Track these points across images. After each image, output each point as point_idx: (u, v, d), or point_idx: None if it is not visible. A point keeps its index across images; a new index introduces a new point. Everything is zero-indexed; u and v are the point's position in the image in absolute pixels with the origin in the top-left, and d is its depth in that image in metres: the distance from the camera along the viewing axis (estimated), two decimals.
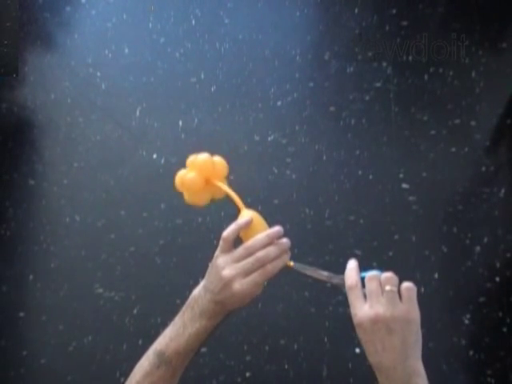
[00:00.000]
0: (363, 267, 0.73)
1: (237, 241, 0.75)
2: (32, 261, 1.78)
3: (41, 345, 1.69)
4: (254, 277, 0.70)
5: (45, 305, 1.72)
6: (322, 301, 1.68)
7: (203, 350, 1.64)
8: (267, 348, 1.65)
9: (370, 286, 0.69)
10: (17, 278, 1.76)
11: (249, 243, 0.73)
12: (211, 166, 0.82)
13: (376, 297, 0.68)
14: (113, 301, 1.72)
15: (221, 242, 0.74)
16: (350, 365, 1.61)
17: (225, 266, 0.72)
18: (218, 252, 0.75)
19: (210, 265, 0.75)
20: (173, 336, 0.75)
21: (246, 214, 0.76)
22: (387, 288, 0.68)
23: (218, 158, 0.83)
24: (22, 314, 1.72)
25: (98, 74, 1.97)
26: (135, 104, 1.92)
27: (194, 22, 2.02)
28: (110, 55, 1.99)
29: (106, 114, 1.92)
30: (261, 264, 0.71)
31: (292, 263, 0.74)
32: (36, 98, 1.95)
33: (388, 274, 0.70)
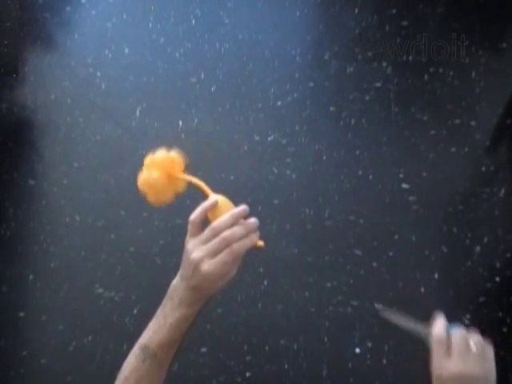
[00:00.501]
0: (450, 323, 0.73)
1: (207, 225, 0.75)
2: (32, 261, 1.78)
3: (41, 345, 1.69)
4: (222, 257, 0.70)
5: (45, 305, 1.72)
6: (322, 301, 1.68)
7: (203, 349, 1.64)
8: (267, 348, 1.65)
9: (459, 342, 0.72)
10: (17, 278, 1.76)
11: (214, 224, 0.73)
12: (171, 162, 0.83)
13: (463, 354, 0.72)
14: (113, 301, 1.72)
15: (189, 226, 0.77)
16: (349, 365, 1.61)
17: (193, 249, 0.73)
18: (187, 237, 0.77)
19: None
20: (155, 328, 0.76)
21: (213, 198, 0.78)
22: (474, 349, 0.73)
23: (173, 152, 0.85)
24: (21, 314, 1.72)
25: (98, 74, 1.97)
26: (135, 104, 1.92)
27: (193, 21, 2.02)
28: (110, 55, 1.99)
29: (106, 114, 1.92)
30: (227, 243, 0.71)
31: (262, 243, 0.74)
32: (36, 98, 1.95)
33: (476, 335, 0.74)
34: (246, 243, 0.72)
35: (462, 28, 1.94)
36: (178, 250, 2.00)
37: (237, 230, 0.72)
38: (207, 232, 0.73)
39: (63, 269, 1.76)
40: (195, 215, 0.77)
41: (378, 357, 1.65)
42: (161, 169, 0.82)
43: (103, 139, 1.90)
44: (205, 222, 0.76)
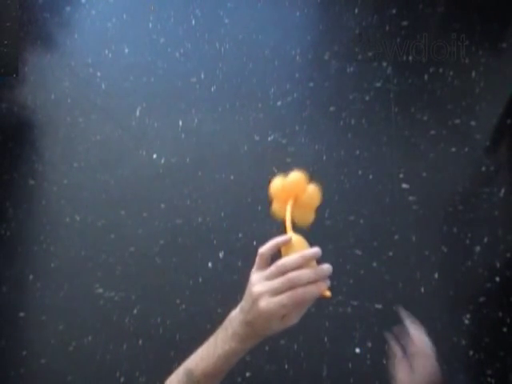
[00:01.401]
0: None
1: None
2: (32, 261, 1.78)
3: (41, 345, 1.69)
4: (282, 298, 0.65)
5: (45, 305, 1.73)
6: (321, 301, 1.67)
7: None
8: (267, 348, 1.65)
9: None
10: (17, 278, 1.76)
11: (282, 260, 0.68)
12: (302, 189, 0.79)
13: None
14: (113, 301, 1.72)
15: (257, 258, 0.71)
16: (350, 365, 1.61)
17: (256, 282, 0.69)
18: (254, 269, 0.72)
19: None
20: (204, 356, 0.72)
21: (289, 235, 0.73)
22: None
23: (313, 186, 0.80)
24: (22, 314, 1.72)
25: (98, 74, 1.97)
26: (135, 104, 1.92)
27: (193, 21, 2.02)
28: (110, 55, 1.99)
29: (106, 114, 1.92)
30: (291, 285, 0.66)
31: (329, 293, 0.68)
32: (36, 98, 1.95)
33: None
34: (312, 290, 0.66)
35: (462, 28, 1.94)
36: (178, 250, 2.01)
37: (304, 273, 0.67)
38: (273, 268, 0.68)
39: (63, 269, 1.76)
40: (265, 248, 0.71)
41: (377, 357, 1.65)
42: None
43: (103, 139, 1.90)
44: (275, 257, 0.71)
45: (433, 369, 0.69)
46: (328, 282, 0.68)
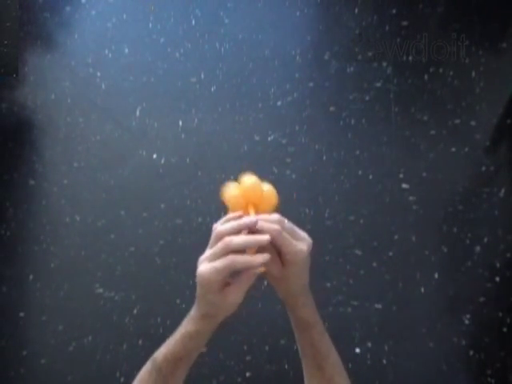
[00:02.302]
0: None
1: None
2: (32, 261, 1.78)
3: (41, 345, 1.69)
4: (214, 262, 0.66)
5: (45, 305, 1.72)
6: (321, 301, 1.68)
7: (203, 349, 1.64)
8: (267, 348, 1.66)
9: None
10: (17, 278, 1.76)
11: (219, 228, 0.69)
12: (259, 194, 0.76)
13: None
14: (113, 301, 1.72)
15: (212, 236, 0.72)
16: (349, 365, 1.60)
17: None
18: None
19: None
20: (166, 343, 0.75)
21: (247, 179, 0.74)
22: None
23: (267, 188, 0.78)
24: (22, 314, 1.72)
25: (98, 74, 1.97)
26: (135, 104, 1.92)
27: (193, 21, 2.02)
28: (110, 55, 1.99)
29: (106, 114, 1.92)
30: (226, 249, 0.66)
31: (262, 269, 0.68)
32: (36, 98, 1.95)
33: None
34: (245, 259, 0.67)
35: (462, 28, 1.94)
36: (178, 249, 2.01)
37: (238, 238, 0.67)
38: (213, 235, 0.69)
39: (63, 269, 1.76)
40: (224, 228, 0.69)
41: (377, 357, 1.65)
42: (244, 193, 0.75)
43: (103, 139, 1.90)
44: None
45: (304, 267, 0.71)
46: (265, 258, 0.67)
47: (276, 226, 0.68)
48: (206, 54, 1.98)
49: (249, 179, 0.76)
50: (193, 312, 0.72)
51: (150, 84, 1.95)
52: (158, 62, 1.98)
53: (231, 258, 0.66)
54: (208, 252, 0.69)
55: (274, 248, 0.70)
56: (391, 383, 1.64)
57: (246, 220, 0.69)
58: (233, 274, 0.69)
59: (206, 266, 0.67)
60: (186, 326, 0.72)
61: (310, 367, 0.78)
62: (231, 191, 0.75)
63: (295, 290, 0.75)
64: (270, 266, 0.70)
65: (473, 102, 1.87)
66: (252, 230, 0.69)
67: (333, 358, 0.77)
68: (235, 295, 0.68)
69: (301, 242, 0.71)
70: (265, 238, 0.66)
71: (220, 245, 0.67)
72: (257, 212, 0.73)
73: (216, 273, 0.66)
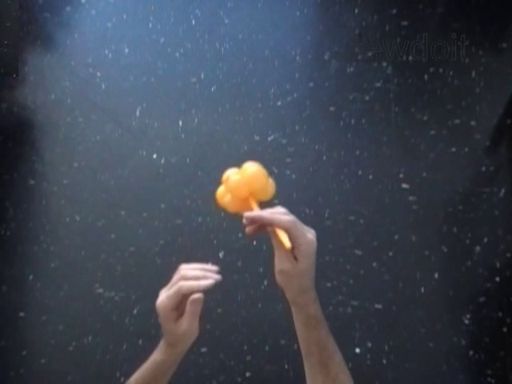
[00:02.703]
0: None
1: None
2: (32, 261, 1.78)
3: (41, 345, 1.69)
4: (168, 291, 0.73)
5: (45, 305, 1.72)
6: (321, 301, 1.68)
7: (203, 349, 1.65)
8: (267, 348, 1.65)
9: None
10: (17, 278, 1.76)
11: (183, 266, 0.77)
12: (264, 181, 0.76)
13: None
14: (113, 301, 1.72)
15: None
16: (350, 365, 1.60)
17: None
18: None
19: None
20: (140, 368, 0.79)
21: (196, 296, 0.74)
22: None
23: (271, 182, 0.78)
24: (22, 314, 1.72)
25: (98, 74, 1.97)
26: (135, 104, 1.92)
27: (194, 21, 2.02)
28: (110, 55, 1.99)
29: (106, 114, 1.92)
30: (178, 278, 0.74)
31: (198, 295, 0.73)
32: (36, 98, 1.95)
33: None
34: (191, 283, 0.72)
35: (462, 28, 1.94)
36: (178, 250, 2.01)
37: (192, 268, 0.75)
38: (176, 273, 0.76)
39: (63, 269, 1.76)
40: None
41: (377, 357, 1.65)
42: (247, 182, 0.76)
43: (103, 139, 1.90)
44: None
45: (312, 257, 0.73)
46: (212, 281, 0.73)
47: (289, 217, 0.71)
48: (206, 54, 1.98)
49: (252, 165, 0.75)
50: (161, 341, 0.77)
51: (150, 84, 1.95)
52: (157, 62, 1.98)
53: (179, 283, 0.72)
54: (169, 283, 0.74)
55: (280, 244, 0.71)
56: (391, 383, 1.63)
57: (207, 266, 0.76)
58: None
59: (161, 296, 0.74)
60: (155, 354, 0.77)
61: (315, 366, 0.79)
62: (233, 176, 0.75)
63: (307, 285, 0.75)
64: (284, 263, 0.72)
65: (473, 101, 1.87)
66: (263, 223, 0.72)
67: (338, 356, 0.78)
68: (187, 323, 0.72)
69: (309, 233, 0.72)
70: (208, 282, 0.72)
71: (175, 275, 0.74)
72: (257, 201, 0.74)
73: (167, 299, 0.72)
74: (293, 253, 0.72)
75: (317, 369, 0.78)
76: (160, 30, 2.02)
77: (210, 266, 0.76)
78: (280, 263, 0.72)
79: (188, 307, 0.72)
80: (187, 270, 0.75)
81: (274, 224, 0.71)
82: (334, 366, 0.77)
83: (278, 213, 0.72)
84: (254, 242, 1.70)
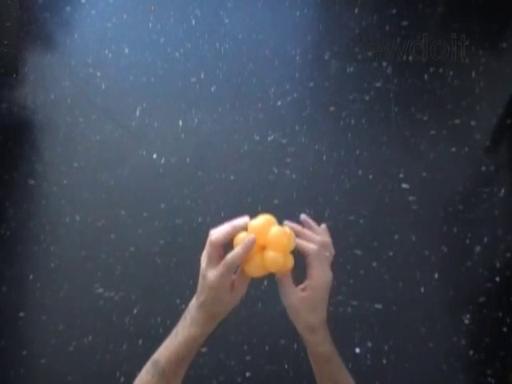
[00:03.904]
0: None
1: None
2: (32, 261, 1.78)
3: (41, 345, 1.69)
4: (218, 268, 0.71)
5: (45, 305, 1.72)
6: None
7: (203, 349, 1.64)
8: (267, 348, 1.66)
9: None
10: (17, 278, 1.76)
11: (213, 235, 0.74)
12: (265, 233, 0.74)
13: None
14: (113, 301, 1.72)
15: (207, 247, 0.75)
16: (350, 365, 1.60)
17: (202, 262, 0.75)
18: (204, 257, 0.77)
19: None
20: (167, 344, 0.76)
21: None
22: None
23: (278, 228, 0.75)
24: (22, 314, 1.72)
25: (98, 73, 1.97)
26: (135, 104, 1.92)
27: (194, 21, 2.02)
28: (110, 55, 1.99)
29: (106, 114, 1.92)
30: (211, 245, 0.72)
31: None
32: (36, 98, 1.95)
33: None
34: (237, 251, 0.71)
35: (462, 28, 1.94)
36: (178, 250, 2.01)
37: (219, 228, 0.74)
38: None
39: (63, 269, 1.76)
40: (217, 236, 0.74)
41: (378, 357, 1.65)
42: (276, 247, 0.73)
43: (103, 139, 1.90)
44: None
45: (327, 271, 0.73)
46: (246, 218, 0.74)
47: (313, 246, 0.72)
48: (206, 54, 1.98)
49: (259, 219, 0.75)
50: (197, 315, 0.74)
51: (150, 84, 1.95)
52: (157, 61, 1.98)
53: (227, 258, 0.70)
54: (205, 258, 0.73)
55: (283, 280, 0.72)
56: (391, 383, 1.64)
57: (239, 223, 0.73)
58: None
59: (212, 272, 0.71)
60: (189, 330, 0.74)
61: None
62: (239, 234, 0.74)
63: (315, 325, 0.74)
64: (289, 296, 0.72)
65: (473, 101, 1.87)
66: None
67: None
68: (242, 287, 0.73)
69: (329, 271, 0.72)
70: (242, 219, 0.72)
71: (207, 241, 0.73)
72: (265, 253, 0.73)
73: (224, 279, 0.71)
74: (304, 284, 0.72)
75: None
76: (160, 30, 2.01)
77: (238, 223, 0.74)
78: (286, 299, 0.72)
79: (239, 271, 0.72)
80: (217, 231, 0.73)
81: (304, 250, 0.72)
82: None
83: (309, 238, 0.74)
84: None
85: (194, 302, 0.75)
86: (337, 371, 0.77)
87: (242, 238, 0.72)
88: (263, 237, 0.73)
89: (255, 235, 0.72)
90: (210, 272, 0.71)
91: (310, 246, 0.71)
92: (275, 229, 0.73)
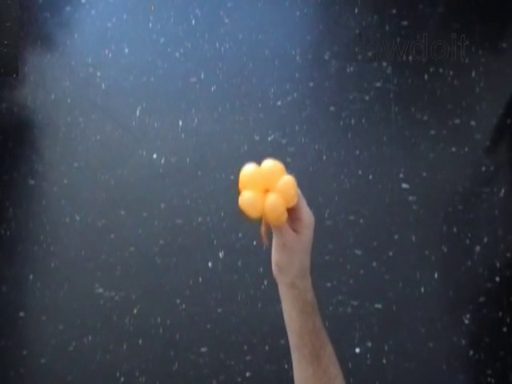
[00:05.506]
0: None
1: None
2: (32, 261, 1.78)
3: (41, 345, 1.69)
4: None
5: (45, 305, 1.72)
6: (321, 301, 1.68)
7: (203, 349, 1.65)
8: (267, 348, 1.65)
9: None
10: (17, 278, 1.76)
11: None
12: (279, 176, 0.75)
13: None
14: (113, 301, 1.72)
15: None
16: (350, 365, 1.61)
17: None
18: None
19: None
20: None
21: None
22: None
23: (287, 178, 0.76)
24: (22, 314, 1.72)
25: (98, 73, 1.97)
26: (135, 104, 1.92)
27: (194, 21, 2.02)
28: (110, 55, 1.99)
29: (106, 114, 1.92)
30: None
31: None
32: (36, 98, 1.95)
33: None
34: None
35: (462, 28, 1.94)
36: (178, 250, 2.00)
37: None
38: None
39: (63, 269, 1.76)
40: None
41: (378, 357, 1.65)
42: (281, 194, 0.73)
43: (103, 139, 1.90)
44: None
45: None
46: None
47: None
48: (206, 54, 1.98)
49: (270, 161, 0.74)
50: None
51: (150, 84, 1.95)
52: (157, 61, 1.98)
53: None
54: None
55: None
56: (391, 383, 1.64)
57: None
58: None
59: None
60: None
61: (307, 357, 0.75)
62: (245, 171, 0.72)
63: (307, 265, 0.73)
64: (286, 236, 0.70)
65: (473, 101, 1.87)
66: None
67: (329, 348, 0.75)
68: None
69: (307, 207, 0.73)
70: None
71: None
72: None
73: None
74: (292, 226, 0.71)
75: (308, 360, 0.74)
76: (160, 30, 2.02)
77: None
78: (281, 238, 0.71)
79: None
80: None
81: None
82: (325, 358, 0.74)
83: None
84: (255, 242, 1.70)
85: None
86: (319, 326, 0.74)
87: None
88: (271, 182, 0.72)
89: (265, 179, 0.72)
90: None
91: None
92: (287, 177, 0.74)
